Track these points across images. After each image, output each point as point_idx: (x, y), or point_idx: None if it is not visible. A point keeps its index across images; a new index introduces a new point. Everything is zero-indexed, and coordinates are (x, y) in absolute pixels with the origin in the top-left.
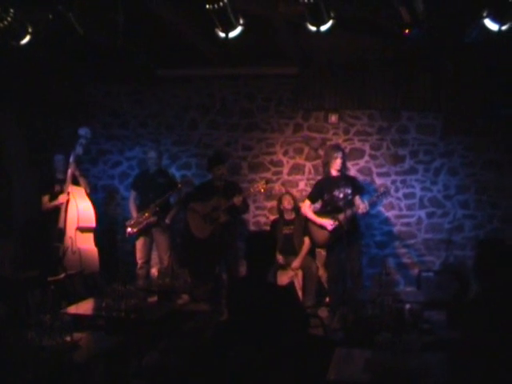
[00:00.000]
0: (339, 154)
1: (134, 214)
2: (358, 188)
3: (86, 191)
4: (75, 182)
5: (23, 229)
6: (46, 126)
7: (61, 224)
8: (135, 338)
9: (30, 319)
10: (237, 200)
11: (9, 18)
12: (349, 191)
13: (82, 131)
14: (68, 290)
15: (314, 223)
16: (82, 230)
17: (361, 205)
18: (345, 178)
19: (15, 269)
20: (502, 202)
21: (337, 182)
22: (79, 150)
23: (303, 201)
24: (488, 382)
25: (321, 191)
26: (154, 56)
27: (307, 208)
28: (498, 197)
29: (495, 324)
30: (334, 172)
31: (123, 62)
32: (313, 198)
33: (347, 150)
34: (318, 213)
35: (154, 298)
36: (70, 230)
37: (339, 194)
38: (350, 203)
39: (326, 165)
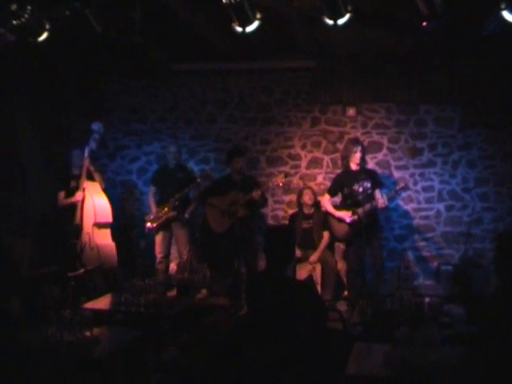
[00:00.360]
0: (358, 148)
1: (154, 209)
2: (378, 182)
3: (101, 186)
4: (90, 178)
5: (39, 226)
6: (61, 122)
7: (77, 220)
8: (154, 332)
9: (49, 315)
10: (255, 194)
11: (26, 15)
12: (368, 185)
13: (95, 126)
14: (87, 286)
15: (333, 216)
16: (99, 225)
17: (380, 199)
18: (364, 172)
19: (33, 266)
20: None
21: (356, 175)
22: (93, 144)
23: (322, 195)
24: (506, 376)
25: (340, 185)
26: (170, 51)
27: (326, 201)
28: None
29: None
30: (353, 166)
31: (139, 57)
32: (332, 191)
33: (365, 144)
34: (337, 207)
35: (173, 293)
36: (87, 226)
37: (359, 188)
38: (370, 197)
39: (345, 158)
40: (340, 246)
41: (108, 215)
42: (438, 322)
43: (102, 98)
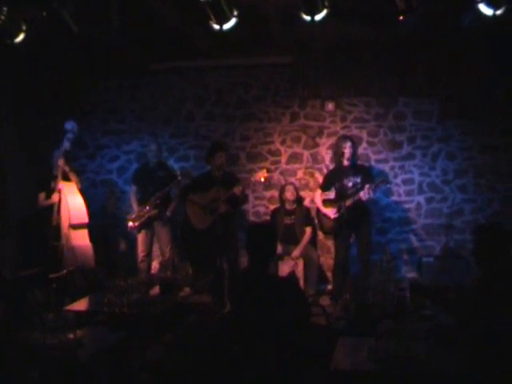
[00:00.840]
0: (348, 144)
1: (136, 208)
2: (369, 177)
3: (77, 186)
4: (66, 178)
5: (20, 227)
6: (41, 122)
7: (55, 222)
8: (138, 332)
9: (32, 318)
10: (237, 190)
11: (2, 17)
12: (358, 180)
13: (69, 125)
14: (69, 287)
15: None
16: (75, 226)
17: (361, 192)
18: (355, 168)
19: (15, 268)
20: (500, 185)
21: (347, 171)
22: (66, 144)
23: (303, 190)
24: (485, 367)
25: (331, 180)
26: (148, 50)
27: (317, 196)
28: (496, 180)
29: (494, 309)
30: (345, 161)
31: (117, 56)
32: (323, 187)
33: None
34: (328, 201)
35: (156, 291)
36: (64, 228)
37: (348, 182)
38: (359, 192)
39: (337, 154)
40: (322, 241)
41: (83, 216)
42: (421, 314)
43: (82, 98)
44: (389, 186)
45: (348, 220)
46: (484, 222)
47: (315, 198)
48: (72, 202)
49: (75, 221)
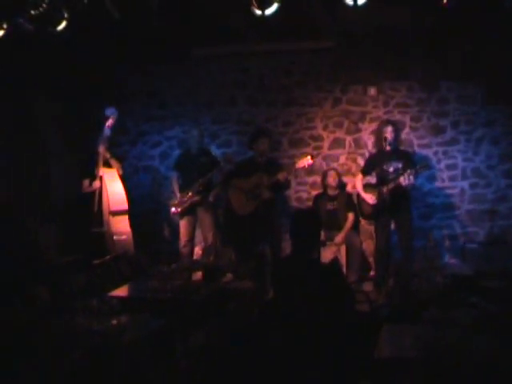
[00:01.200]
0: (388, 129)
1: (178, 194)
2: (411, 162)
3: (118, 173)
4: (107, 165)
5: (63, 213)
6: (83, 108)
7: (96, 208)
8: (181, 318)
9: (75, 303)
10: (281, 176)
11: (44, 5)
12: (399, 166)
13: (109, 111)
14: (113, 273)
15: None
16: (114, 213)
17: (401, 177)
18: (397, 152)
19: (58, 253)
20: None
21: (388, 156)
22: (107, 131)
23: (345, 175)
24: None
25: (372, 165)
26: (189, 35)
27: (358, 181)
28: None
29: None
30: (386, 146)
31: (157, 41)
32: (365, 171)
33: None
34: (369, 186)
35: (199, 277)
36: (105, 215)
37: (389, 167)
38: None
39: (379, 139)
40: (365, 227)
41: (123, 203)
42: (467, 301)
43: (123, 83)
44: (429, 171)
45: (388, 206)
46: None
47: (356, 183)
48: (111, 188)
49: (115, 207)
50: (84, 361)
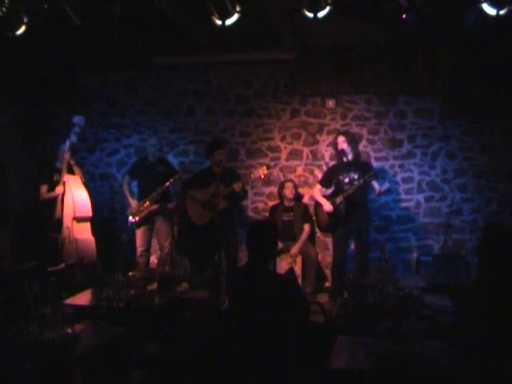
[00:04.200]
0: (340, 139)
1: (130, 198)
2: (367, 172)
3: (81, 180)
4: (70, 171)
5: (20, 219)
6: (42, 115)
7: (58, 214)
8: (136, 327)
9: (29, 311)
10: (237, 186)
11: (4, 9)
12: (355, 176)
13: (76, 119)
14: (68, 281)
15: (319, 204)
16: (79, 219)
17: (355, 189)
18: (355, 164)
19: (13, 260)
20: (499, 186)
21: (345, 167)
22: (73, 138)
23: (302, 187)
24: (488, 368)
25: (329, 176)
26: (148, 44)
27: (316, 191)
28: (495, 180)
29: (494, 309)
30: (343, 157)
31: (118, 50)
32: (322, 182)
33: None
34: (325, 197)
35: (154, 287)
36: (67, 220)
37: (344, 178)
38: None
39: (334, 150)
40: (321, 238)
41: (88, 209)
42: (419, 314)
43: (83, 91)
44: (388, 183)
45: (345, 218)
46: (491, 222)
47: (314, 193)
48: (77, 194)
49: (80, 214)
50: (36, 370)
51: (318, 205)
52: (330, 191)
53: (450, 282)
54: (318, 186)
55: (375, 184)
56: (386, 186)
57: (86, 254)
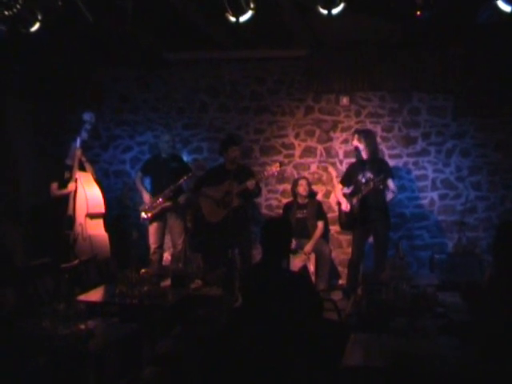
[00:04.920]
0: (354, 138)
1: (144, 193)
2: (385, 172)
3: (93, 177)
4: (82, 168)
5: (31, 216)
6: (54, 111)
7: (70, 211)
8: (149, 324)
9: (42, 307)
10: (250, 184)
11: (18, 6)
12: (371, 176)
13: (87, 116)
14: (81, 277)
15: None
16: (92, 216)
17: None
18: (372, 162)
19: (26, 256)
20: None
21: (363, 165)
22: (84, 135)
23: (315, 184)
24: (500, 365)
25: (349, 175)
26: (161, 39)
27: (339, 190)
28: (510, 178)
29: (509, 307)
30: (363, 155)
31: (131, 46)
32: (342, 181)
33: None
34: (346, 196)
35: (168, 283)
36: (80, 217)
37: (362, 178)
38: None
39: (356, 149)
40: (335, 236)
41: (100, 206)
42: (433, 311)
43: (95, 87)
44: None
45: (360, 218)
46: (506, 219)
47: (336, 191)
48: (90, 191)
49: (93, 210)
50: (48, 365)
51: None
52: (349, 190)
53: (463, 280)
54: (340, 186)
55: (390, 184)
56: (392, 187)
57: (99, 250)
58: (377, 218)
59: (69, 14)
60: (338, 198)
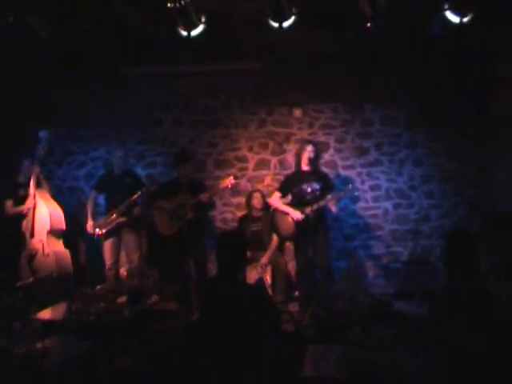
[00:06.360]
0: (308, 148)
1: (89, 217)
2: (328, 185)
3: (49, 194)
4: (39, 185)
5: None
6: (7, 128)
7: (26, 228)
8: (106, 340)
9: None
10: (203, 196)
11: None
12: (317, 187)
13: (44, 133)
14: (37, 295)
15: (282, 213)
16: (54, 233)
17: (328, 202)
18: (315, 174)
19: None
20: (466, 191)
21: (306, 176)
22: (41, 152)
23: (270, 196)
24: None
25: (289, 184)
26: (116, 55)
27: (276, 199)
28: (461, 186)
29: (462, 313)
30: (304, 166)
31: (86, 61)
32: (282, 190)
33: None
34: (289, 205)
35: (124, 299)
36: (41, 234)
37: (307, 187)
38: (318, 198)
39: (297, 158)
40: (289, 247)
41: (62, 222)
42: (389, 320)
43: (50, 103)
44: (356, 194)
45: (312, 226)
46: (451, 230)
47: (273, 201)
48: (51, 208)
49: (55, 227)
50: None
51: (278, 213)
52: (288, 200)
53: (418, 289)
54: (278, 194)
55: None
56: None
57: (62, 267)
58: (320, 229)
59: (22, 29)
60: (279, 207)
